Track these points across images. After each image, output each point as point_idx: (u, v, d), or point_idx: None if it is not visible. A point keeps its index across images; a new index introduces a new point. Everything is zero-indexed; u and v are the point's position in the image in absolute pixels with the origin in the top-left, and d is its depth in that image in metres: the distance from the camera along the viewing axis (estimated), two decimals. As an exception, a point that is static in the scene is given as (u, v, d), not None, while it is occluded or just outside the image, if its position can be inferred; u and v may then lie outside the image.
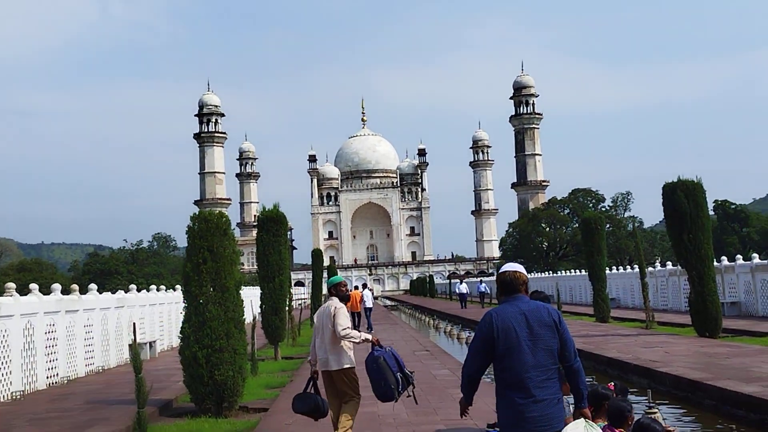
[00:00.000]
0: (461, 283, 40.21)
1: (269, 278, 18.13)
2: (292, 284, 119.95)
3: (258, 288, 19.14)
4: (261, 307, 18.37)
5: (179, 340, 10.51)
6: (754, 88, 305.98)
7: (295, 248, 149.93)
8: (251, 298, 28.83)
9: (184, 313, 10.49)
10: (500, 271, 4.32)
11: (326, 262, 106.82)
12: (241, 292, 10.60)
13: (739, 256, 26.31)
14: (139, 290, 20.58)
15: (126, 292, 19.27)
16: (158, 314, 21.39)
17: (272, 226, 18.35)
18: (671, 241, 18.69)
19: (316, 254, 36.44)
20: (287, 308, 19.34)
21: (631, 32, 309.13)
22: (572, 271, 46.50)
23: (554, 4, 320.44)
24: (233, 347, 10.20)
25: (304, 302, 61.29)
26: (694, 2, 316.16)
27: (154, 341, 19.81)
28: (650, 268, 31.40)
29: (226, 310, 10.27)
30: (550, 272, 54.58)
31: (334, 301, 7.10)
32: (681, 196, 17.94)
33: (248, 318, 17.54)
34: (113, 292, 18.48)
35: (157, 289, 21.93)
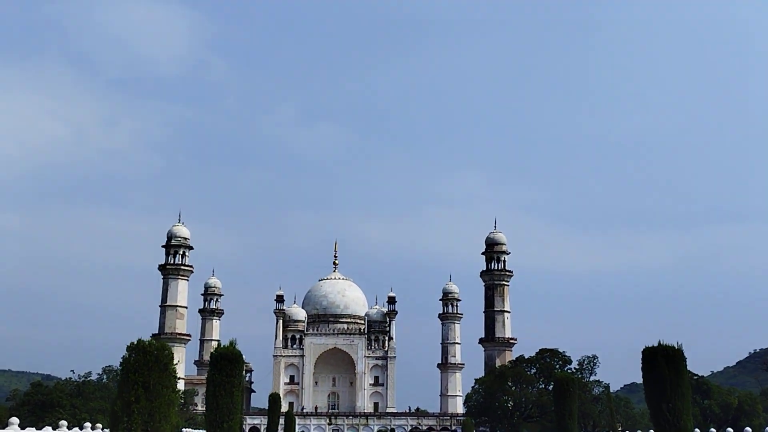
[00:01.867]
0: None
1: (218, 423, 16.99)
2: (247, 429, 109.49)
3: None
4: None
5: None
6: (718, 261, 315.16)
7: (254, 391, 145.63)
8: None
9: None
10: None
11: (284, 408, 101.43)
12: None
13: (697, 430, 25.36)
14: (70, 427, 18.81)
15: (54, 430, 17.60)
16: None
17: (226, 365, 17.41)
18: (650, 408, 17.75)
19: (274, 399, 34.97)
20: None
21: (603, 200, 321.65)
22: None
23: (529, 167, 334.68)
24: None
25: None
26: (666, 176, 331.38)
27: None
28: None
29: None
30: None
31: None
32: (661, 362, 17.20)
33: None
34: (38, 429, 16.87)
35: (92, 428, 20.17)
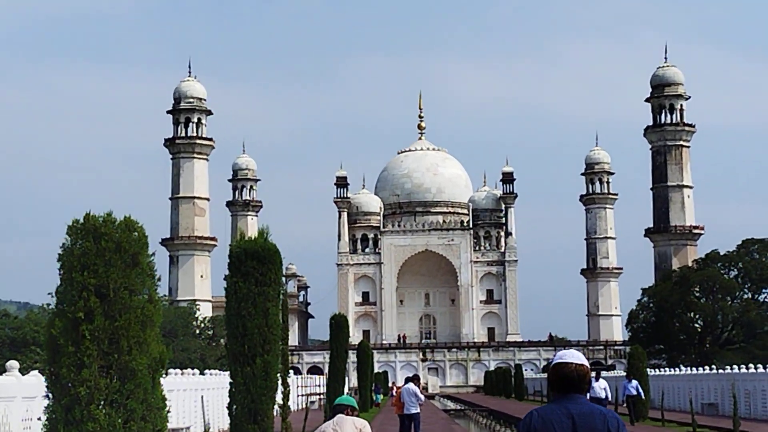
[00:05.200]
0: (597, 380, 37.05)
1: (246, 357, 16.63)
2: (304, 370, 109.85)
3: (228, 374, 18.04)
4: (230, 407, 16.73)
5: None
6: None
7: (311, 316, 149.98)
8: (213, 389, 29.98)
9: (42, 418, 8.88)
10: (558, 360, 5.22)
11: (356, 337, 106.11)
12: (164, 379, 9.23)
13: None
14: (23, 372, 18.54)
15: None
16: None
17: (255, 267, 16.42)
18: None
19: (338, 324, 34.78)
20: (277, 409, 17.48)
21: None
22: (754, 367, 44.17)
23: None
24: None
25: (320, 400, 59.23)
26: None
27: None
28: None
29: (129, 418, 8.40)
30: (712, 367, 51.76)
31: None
32: None
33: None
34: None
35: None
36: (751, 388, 41.90)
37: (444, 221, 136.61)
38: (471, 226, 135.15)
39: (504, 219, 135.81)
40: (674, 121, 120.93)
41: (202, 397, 27.93)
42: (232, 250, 17.15)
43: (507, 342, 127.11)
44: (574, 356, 5.23)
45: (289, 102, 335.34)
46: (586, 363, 5.25)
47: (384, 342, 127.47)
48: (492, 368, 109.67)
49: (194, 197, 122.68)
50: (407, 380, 28.84)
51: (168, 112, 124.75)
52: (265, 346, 16.74)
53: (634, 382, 39.67)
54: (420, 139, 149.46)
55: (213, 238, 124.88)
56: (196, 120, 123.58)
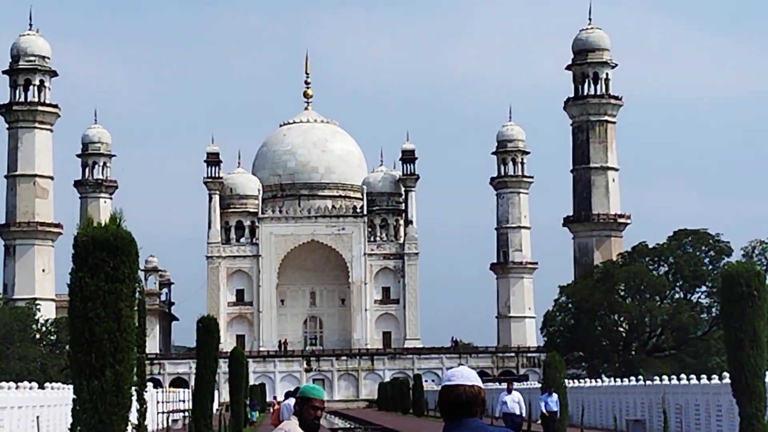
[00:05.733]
0: (509, 392, 37.30)
1: (93, 369, 16.37)
2: (166, 383, 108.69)
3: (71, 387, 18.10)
4: (72, 429, 16.29)
5: None
6: None
7: (176, 318, 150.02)
8: (54, 407, 29.60)
9: None
10: (446, 382, 5.43)
11: (228, 343, 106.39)
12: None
13: None
14: None
15: None
16: None
17: (105, 259, 16.08)
18: None
19: (206, 327, 35.32)
20: (131, 430, 17.43)
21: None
22: (687, 378, 44.24)
23: None
24: None
25: (184, 418, 58.55)
26: None
27: None
28: None
29: None
30: (639, 378, 52.74)
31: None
32: None
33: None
34: None
35: None
36: (683, 402, 41.79)
37: (334, 207, 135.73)
38: (365, 212, 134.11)
39: (404, 205, 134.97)
40: (598, 92, 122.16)
41: (38, 417, 27.30)
42: (77, 238, 16.62)
43: (405, 349, 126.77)
44: (464, 376, 5.42)
45: (151, 64, 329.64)
46: (479, 382, 5.46)
47: (262, 349, 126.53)
48: (387, 379, 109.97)
49: (35, 175, 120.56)
50: (288, 395, 28.85)
51: (3, 72, 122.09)
52: (116, 355, 16.17)
53: (555, 396, 39.53)
54: (306, 109, 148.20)
55: (58, 225, 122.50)
56: (38, 82, 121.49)
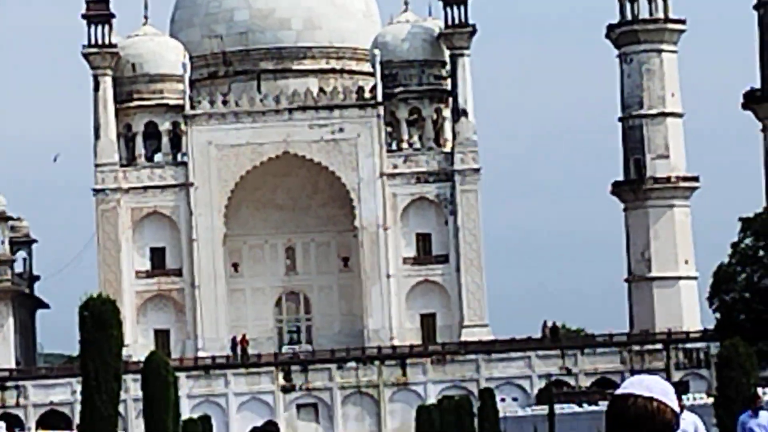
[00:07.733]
0: (755, 414, 28.08)
1: None
2: (31, 419, 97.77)
3: None
4: None
5: None
6: None
7: (45, 305, 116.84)
8: None
9: None
10: (619, 391, 4.46)
11: (139, 345, 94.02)
12: None
13: None
14: None
15: None
16: None
17: None
18: None
19: (97, 319, 33.46)
20: None
21: None
22: None
23: None
24: None
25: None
26: None
27: None
28: None
29: None
30: None
31: None
32: None
33: None
34: None
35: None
36: None
37: (323, 91, 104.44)
38: (380, 99, 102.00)
39: (450, 82, 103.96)
40: None
41: None
42: None
43: (462, 344, 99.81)
44: (643, 384, 4.03)
45: None
46: (666, 398, 3.95)
47: (202, 354, 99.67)
48: (432, 399, 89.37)
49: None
50: None
51: None
52: None
53: (766, 416, 28.93)
54: None
55: None
56: None
